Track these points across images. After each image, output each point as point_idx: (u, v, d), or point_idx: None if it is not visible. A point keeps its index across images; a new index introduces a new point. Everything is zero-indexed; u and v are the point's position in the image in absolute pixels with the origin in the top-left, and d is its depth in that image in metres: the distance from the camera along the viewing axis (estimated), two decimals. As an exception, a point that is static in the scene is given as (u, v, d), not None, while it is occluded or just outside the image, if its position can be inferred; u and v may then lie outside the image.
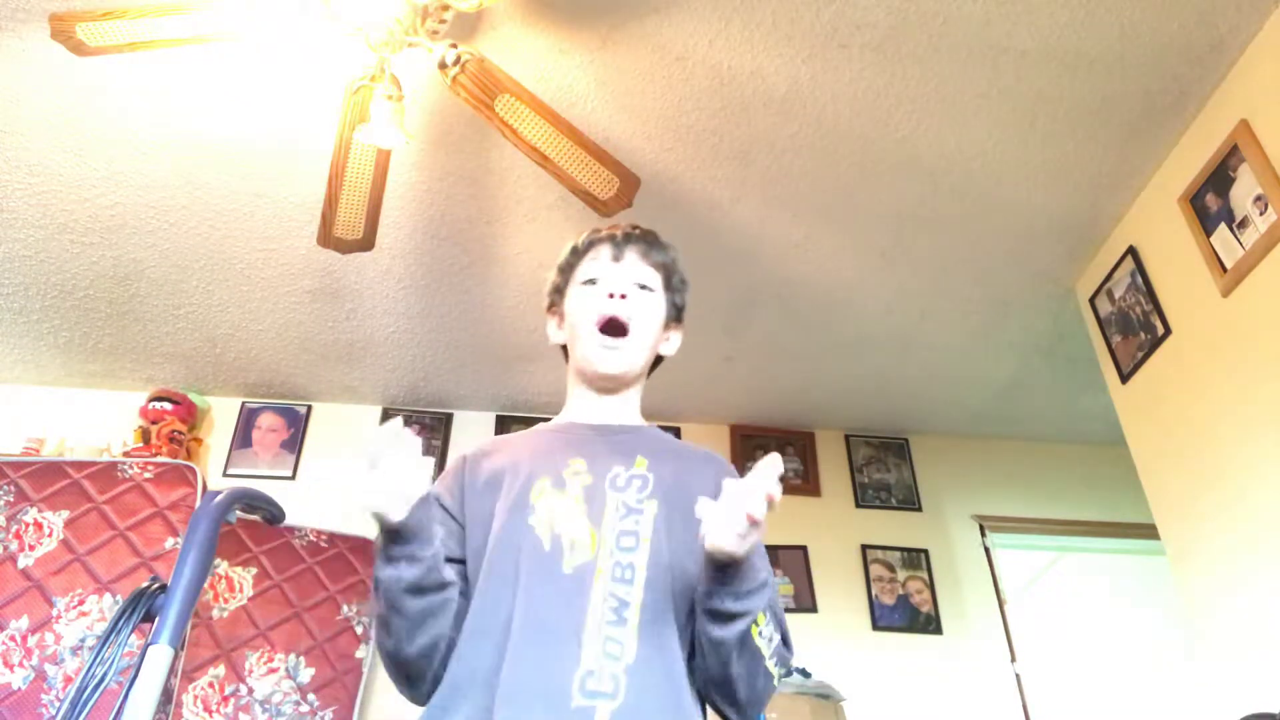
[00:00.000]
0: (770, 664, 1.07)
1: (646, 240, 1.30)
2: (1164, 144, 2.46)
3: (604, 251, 1.28)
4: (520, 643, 1.01)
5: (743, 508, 0.94)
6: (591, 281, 1.26)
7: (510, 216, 2.71)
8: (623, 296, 1.22)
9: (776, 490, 0.93)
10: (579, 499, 1.13)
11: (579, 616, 1.03)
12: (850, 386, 3.52)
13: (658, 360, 1.32)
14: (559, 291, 1.32)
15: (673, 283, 1.32)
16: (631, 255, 1.27)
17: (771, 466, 0.94)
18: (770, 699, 1.12)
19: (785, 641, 1.12)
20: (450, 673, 1.05)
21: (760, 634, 1.05)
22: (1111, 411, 2.76)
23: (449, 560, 1.10)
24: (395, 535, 1.00)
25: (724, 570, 1.00)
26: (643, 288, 1.26)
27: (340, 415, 3.58)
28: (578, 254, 1.30)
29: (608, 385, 1.25)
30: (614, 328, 1.22)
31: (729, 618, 1.02)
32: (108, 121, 2.39)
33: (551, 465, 1.16)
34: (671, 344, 1.33)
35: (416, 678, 1.07)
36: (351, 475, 0.96)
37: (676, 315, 1.33)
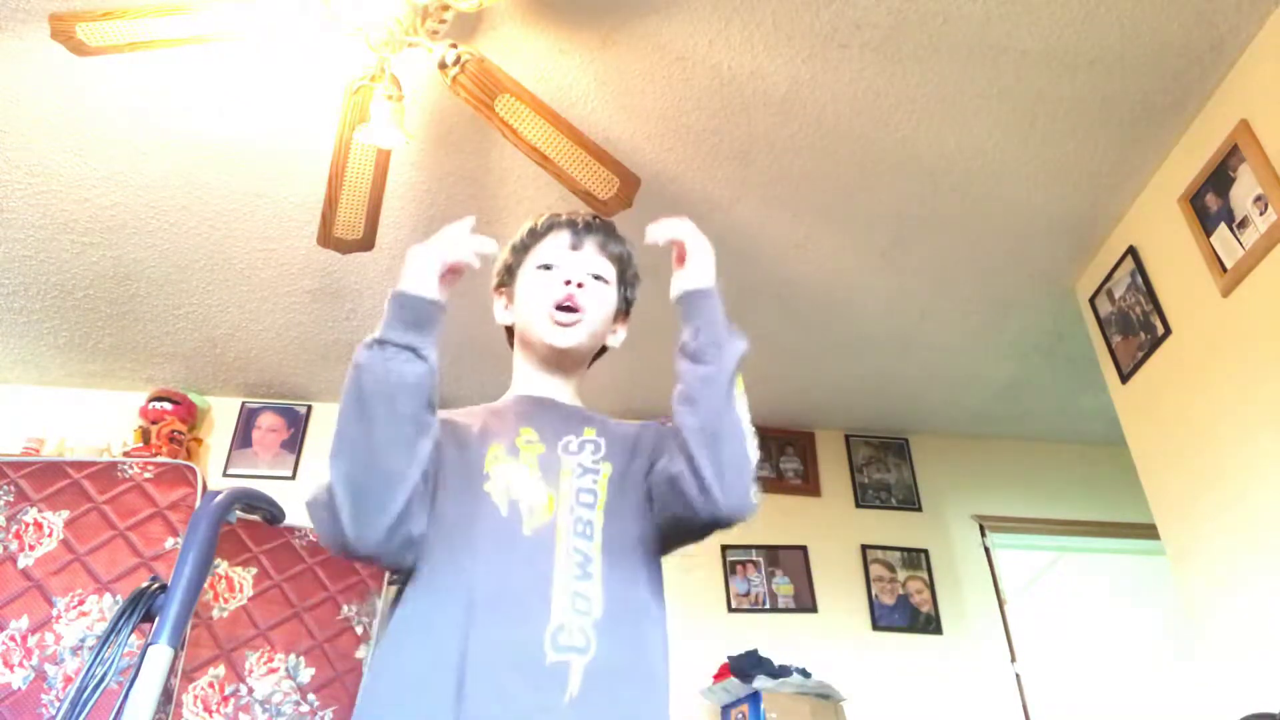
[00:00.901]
0: (750, 436, 1.16)
1: (605, 231, 1.30)
2: (1164, 144, 2.46)
3: (563, 238, 1.28)
4: (486, 608, 1.00)
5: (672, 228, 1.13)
6: (547, 267, 1.25)
7: (510, 216, 2.71)
8: (579, 285, 1.23)
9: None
10: (533, 465, 1.13)
11: (545, 574, 1.03)
12: (850, 386, 3.52)
13: (600, 352, 1.34)
14: (510, 272, 1.31)
15: (626, 276, 1.34)
16: (589, 245, 1.28)
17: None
18: (752, 488, 1.22)
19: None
20: (411, 641, 1.02)
21: (743, 392, 1.15)
22: (1111, 411, 2.76)
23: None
24: (422, 319, 1.05)
25: (697, 305, 1.12)
26: (597, 278, 1.27)
27: (340, 415, 3.57)
28: (535, 236, 1.30)
29: (556, 361, 1.26)
30: (567, 307, 1.23)
31: (713, 357, 1.11)
32: (108, 121, 2.39)
33: (503, 434, 1.16)
34: (618, 337, 1.34)
35: (382, 504, 1.00)
36: (453, 231, 1.10)
37: (626, 309, 1.35)
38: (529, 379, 1.28)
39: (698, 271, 1.14)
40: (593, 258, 1.28)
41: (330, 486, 1.02)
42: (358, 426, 1.05)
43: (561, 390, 1.28)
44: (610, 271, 1.29)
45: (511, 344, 1.33)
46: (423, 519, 1.04)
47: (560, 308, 1.22)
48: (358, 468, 1.02)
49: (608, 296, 1.29)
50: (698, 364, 1.11)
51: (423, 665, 0.99)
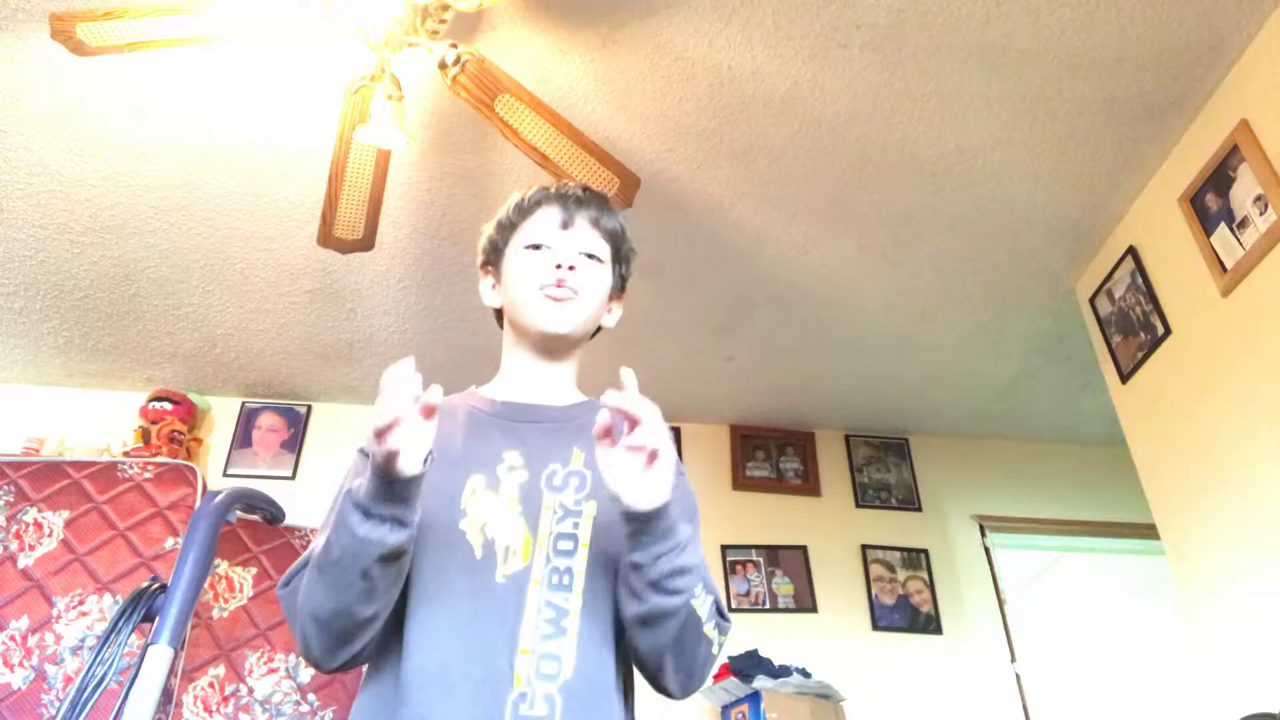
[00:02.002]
0: (709, 629, 1.01)
1: (598, 205, 1.21)
2: (1164, 144, 2.46)
3: (552, 214, 1.18)
4: (448, 674, 0.94)
5: (637, 441, 0.95)
6: (536, 246, 1.16)
7: (510, 216, 2.71)
8: (571, 268, 1.14)
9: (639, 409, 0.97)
10: (514, 499, 1.05)
11: (512, 634, 0.96)
12: (850, 386, 3.52)
13: (595, 331, 1.25)
14: (497, 250, 1.22)
15: (621, 252, 1.24)
16: (581, 222, 1.18)
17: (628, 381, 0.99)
18: (710, 671, 1.08)
19: (720, 611, 1.05)
20: (374, 685, 1.00)
21: (697, 599, 0.99)
22: (1111, 411, 2.76)
23: None
24: (397, 491, 0.91)
25: (644, 525, 0.94)
26: (591, 257, 1.18)
27: (340, 415, 3.57)
28: (522, 212, 1.20)
29: (550, 346, 1.18)
30: (560, 294, 1.15)
31: (668, 590, 0.96)
32: (108, 121, 2.39)
33: (485, 460, 1.08)
34: (613, 316, 1.26)
35: (350, 641, 0.97)
36: (404, 411, 0.89)
37: (621, 286, 1.26)
38: (521, 369, 1.19)
39: (659, 484, 0.95)
40: (585, 234, 1.18)
41: (300, 607, 0.99)
42: (330, 580, 0.95)
43: (557, 379, 1.20)
44: (604, 249, 1.20)
45: (501, 325, 1.25)
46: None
47: (551, 288, 1.14)
48: (326, 615, 0.96)
49: (602, 276, 1.20)
50: (661, 594, 0.96)
51: (395, 705, 0.94)
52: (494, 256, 1.23)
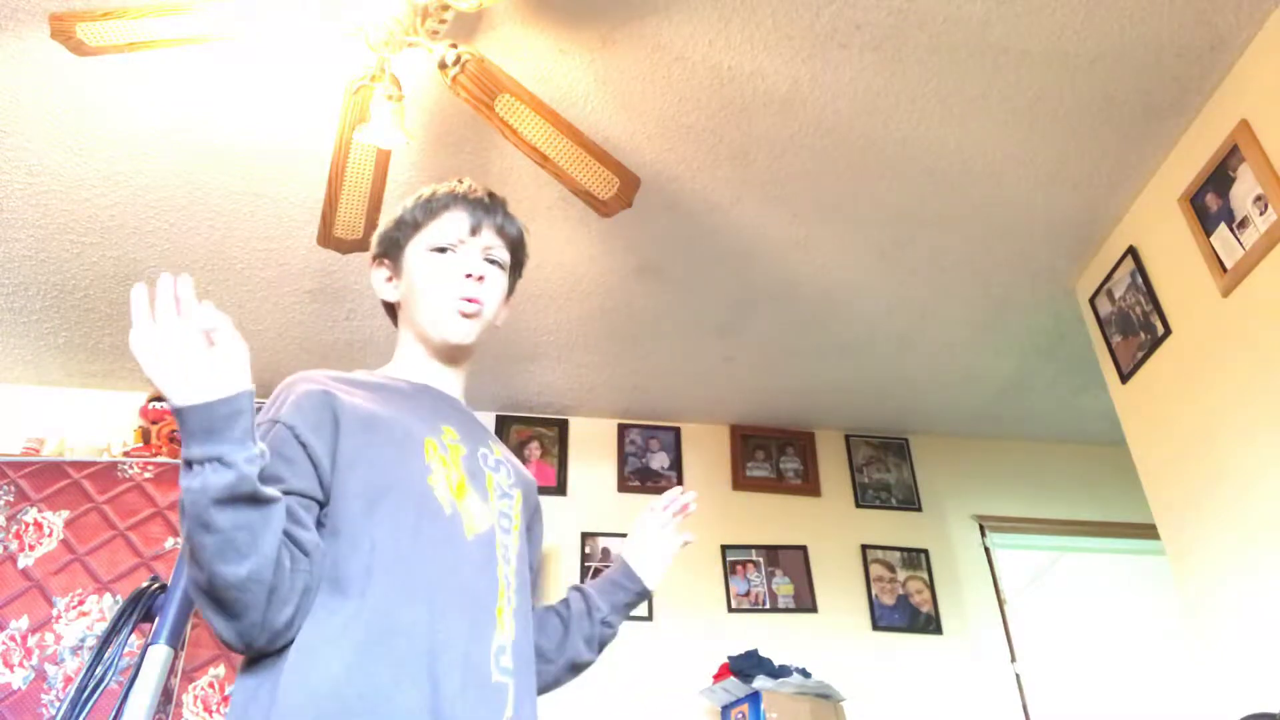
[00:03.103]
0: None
1: (503, 212, 1.24)
2: (1164, 144, 2.46)
3: (460, 219, 1.20)
4: (450, 609, 0.95)
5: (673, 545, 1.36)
6: (442, 250, 1.18)
7: (510, 216, 2.71)
8: (480, 279, 1.18)
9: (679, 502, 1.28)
10: (461, 469, 1.09)
11: (492, 588, 1.02)
12: (850, 386, 3.52)
13: None
14: (397, 245, 1.23)
15: (519, 258, 1.28)
16: (488, 228, 1.21)
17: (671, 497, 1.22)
18: None
19: None
20: (369, 632, 0.91)
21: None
22: (1111, 411, 2.76)
23: (298, 495, 0.96)
24: (204, 430, 0.83)
25: (639, 601, 1.32)
26: (493, 263, 1.22)
27: (340, 415, 3.57)
28: (429, 213, 1.21)
29: (454, 354, 1.22)
30: (469, 304, 1.17)
31: (611, 633, 1.28)
32: (108, 121, 2.39)
33: (430, 428, 1.10)
34: (501, 318, 1.27)
35: (236, 608, 0.87)
36: (188, 349, 0.83)
37: (510, 291, 1.29)
38: (421, 365, 1.21)
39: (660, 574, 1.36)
40: (491, 241, 1.21)
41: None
42: (189, 548, 0.87)
43: (454, 381, 1.23)
44: (505, 256, 1.24)
45: (393, 319, 1.27)
46: (305, 567, 0.93)
47: (462, 301, 1.16)
48: (201, 586, 0.88)
49: (503, 283, 1.23)
50: (608, 631, 1.29)
51: (399, 668, 0.90)
52: (393, 251, 1.24)
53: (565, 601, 1.30)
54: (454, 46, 1.94)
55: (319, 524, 0.98)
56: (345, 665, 0.88)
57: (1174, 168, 2.46)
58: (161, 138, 2.44)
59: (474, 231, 1.20)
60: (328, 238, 2.29)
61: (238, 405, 0.86)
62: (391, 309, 1.27)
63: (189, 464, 0.85)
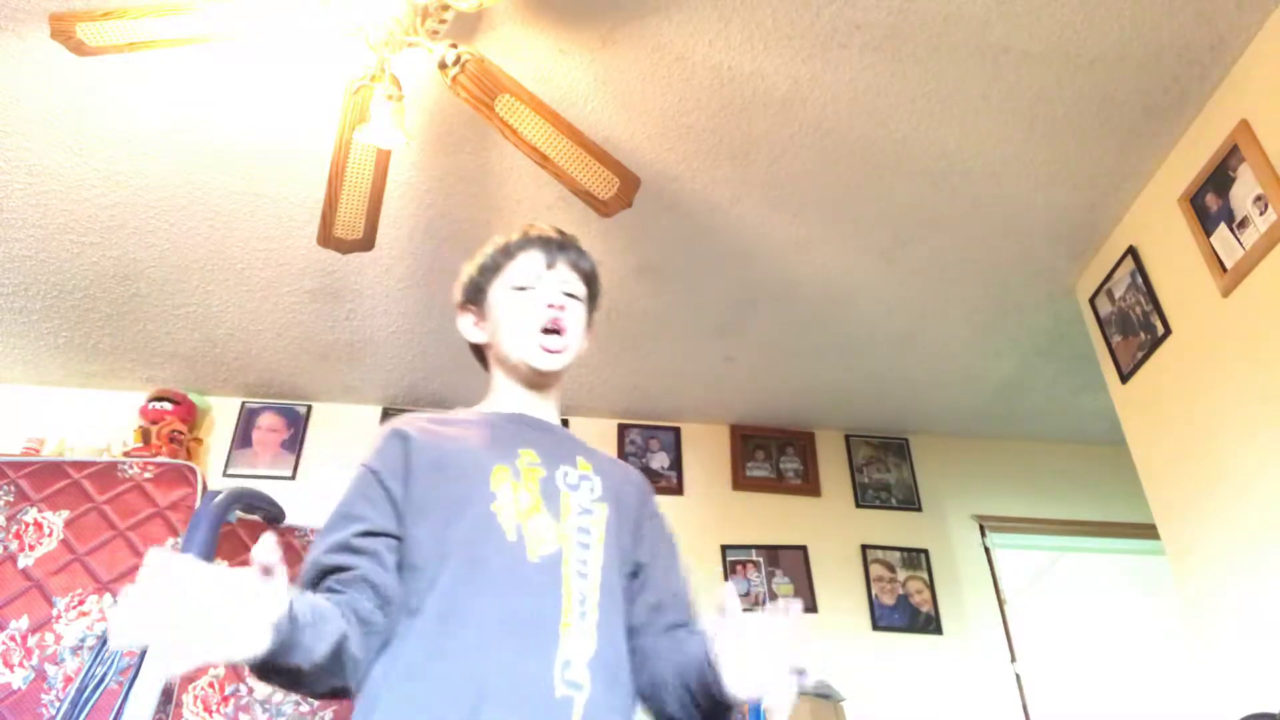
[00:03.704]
0: None
1: (575, 248, 1.33)
2: (1164, 144, 2.46)
3: (536, 258, 1.29)
4: (501, 635, 1.00)
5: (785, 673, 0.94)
6: (523, 288, 1.27)
7: (510, 216, 2.71)
8: (560, 308, 1.26)
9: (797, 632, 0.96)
10: (535, 492, 1.14)
11: (554, 606, 1.04)
12: (850, 386, 3.52)
13: None
14: (480, 290, 1.32)
15: (594, 290, 1.35)
16: (563, 264, 1.30)
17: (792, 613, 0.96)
18: None
19: None
20: (416, 661, 1.00)
21: None
22: (1111, 411, 2.76)
23: (378, 534, 1.06)
24: (263, 662, 0.85)
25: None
26: (571, 296, 1.29)
27: (340, 415, 3.57)
28: (507, 255, 1.31)
29: (543, 381, 1.28)
30: (552, 331, 1.25)
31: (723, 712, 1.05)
32: (108, 121, 2.39)
33: (504, 453, 1.16)
34: (584, 348, 1.34)
35: (334, 693, 1.01)
36: (184, 633, 0.75)
37: (590, 322, 1.36)
38: (513, 396, 1.29)
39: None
40: (566, 276, 1.30)
41: None
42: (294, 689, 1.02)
43: (547, 408, 1.30)
44: (582, 289, 1.32)
45: (482, 362, 1.35)
46: (379, 623, 1.03)
47: (546, 331, 1.24)
48: (311, 694, 1.04)
49: (582, 314, 1.31)
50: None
51: (438, 692, 0.97)
52: (476, 296, 1.33)
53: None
54: (454, 46, 1.94)
55: (400, 561, 1.08)
56: (396, 696, 0.98)
57: (1174, 168, 2.46)
58: (161, 138, 2.44)
59: (549, 267, 1.29)
60: (328, 238, 2.29)
61: (291, 623, 0.88)
62: (480, 352, 1.35)
63: (265, 675, 0.92)
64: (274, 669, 0.88)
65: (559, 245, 1.30)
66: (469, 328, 1.35)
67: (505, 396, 1.29)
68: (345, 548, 1.05)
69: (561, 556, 1.09)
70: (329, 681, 0.97)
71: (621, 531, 1.18)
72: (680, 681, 1.08)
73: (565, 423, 1.33)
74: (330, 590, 1.02)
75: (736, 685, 0.96)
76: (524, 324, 1.25)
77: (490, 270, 1.32)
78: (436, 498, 1.11)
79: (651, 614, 1.17)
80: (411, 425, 1.19)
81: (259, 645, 0.82)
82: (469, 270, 1.35)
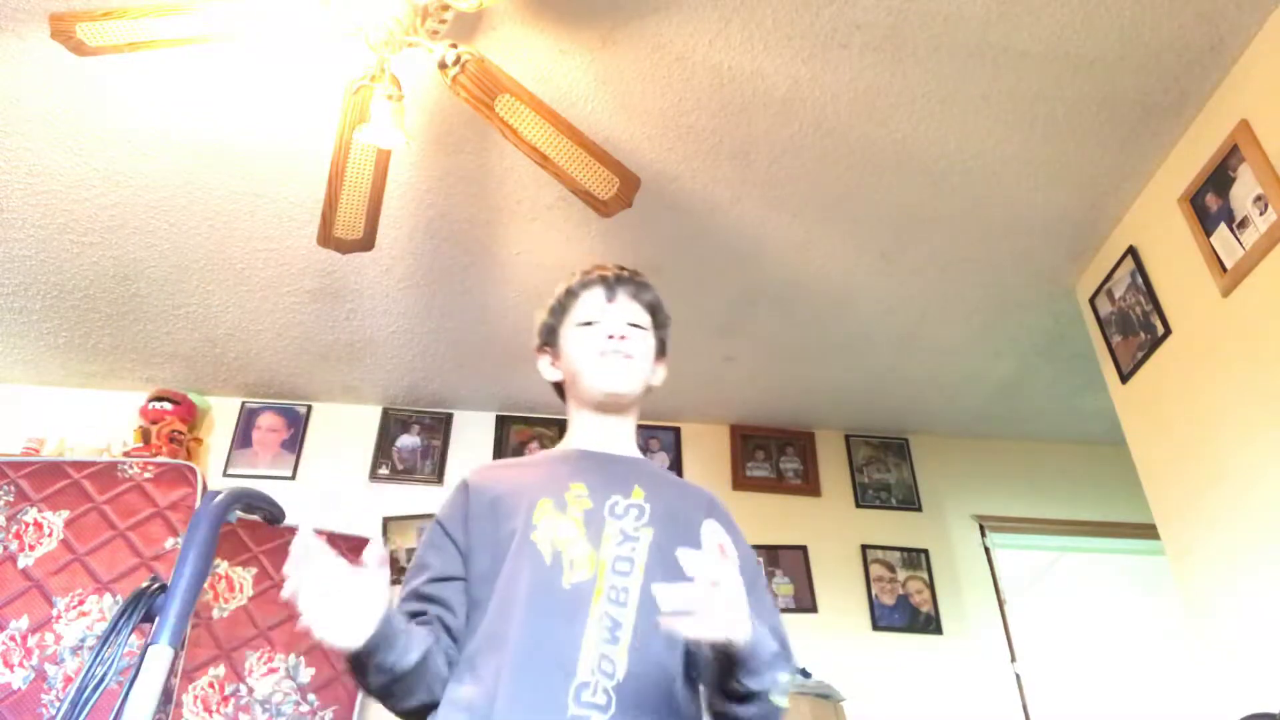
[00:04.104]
0: (783, 702, 1.08)
1: (636, 281, 1.40)
2: (1164, 144, 2.46)
3: (598, 293, 1.37)
4: (521, 654, 1.07)
5: (708, 577, 0.94)
6: (588, 323, 1.34)
7: (510, 216, 2.71)
8: (622, 337, 1.32)
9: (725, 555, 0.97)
10: (579, 521, 1.19)
11: (578, 632, 1.09)
12: (850, 386, 3.52)
13: (646, 391, 1.41)
14: (552, 332, 1.40)
15: (659, 320, 1.41)
16: (623, 296, 1.37)
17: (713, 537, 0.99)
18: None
19: (792, 666, 1.14)
20: (456, 678, 1.11)
21: (780, 694, 1.06)
22: (1111, 411, 2.76)
23: (444, 579, 1.19)
24: (359, 654, 1.01)
25: (729, 656, 1.00)
26: (635, 326, 1.35)
27: (340, 415, 3.58)
28: (572, 296, 1.38)
29: (611, 404, 1.34)
30: (617, 356, 1.32)
31: (750, 696, 1.03)
32: (108, 121, 2.39)
33: (554, 488, 1.23)
34: (658, 376, 1.41)
35: (421, 711, 1.12)
36: (310, 607, 0.96)
37: (662, 349, 1.42)
38: (587, 428, 1.35)
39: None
40: (628, 307, 1.37)
41: None
42: (383, 697, 1.12)
43: (619, 434, 1.36)
44: (644, 318, 1.38)
45: (562, 398, 1.42)
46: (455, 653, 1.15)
47: (610, 353, 1.31)
48: (396, 710, 1.13)
49: (647, 341, 1.37)
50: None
51: (463, 708, 1.07)
52: (550, 338, 1.41)
53: None
54: (454, 46, 1.94)
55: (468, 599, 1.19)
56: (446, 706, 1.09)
57: (1174, 168, 2.46)
58: (161, 138, 2.44)
59: (610, 300, 1.37)
60: (328, 238, 2.29)
61: (389, 621, 1.04)
62: (560, 389, 1.42)
63: (360, 669, 1.06)
64: (372, 665, 1.02)
65: (618, 280, 1.38)
66: (547, 368, 1.42)
67: (580, 431, 1.36)
68: (416, 595, 1.18)
69: (595, 584, 1.13)
70: (418, 694, 1.09)
71: (669, 553, 1.16)
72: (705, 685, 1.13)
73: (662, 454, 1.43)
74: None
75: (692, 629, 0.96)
76: (589, 354, 1.32)
77: (559, 312, 1.40)
78: (490, 536, 1.20)
79: None
80: (476, 473, 1.31)
81: (364, 634, 0.98)
82: (541, 315, 1.43)
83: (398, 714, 1.12)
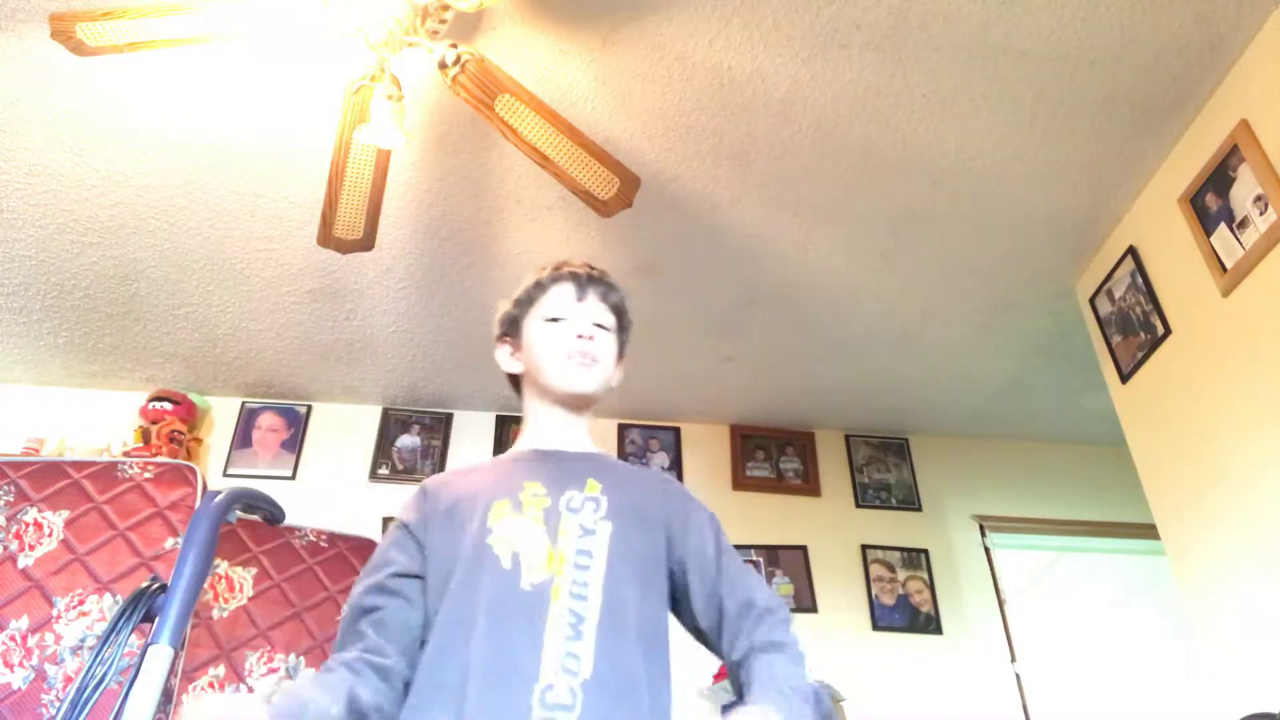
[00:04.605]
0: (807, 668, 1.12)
1: (605, 282, 1.40)
2: (1164, 144, 2.46)
3: (568, 290, 1.36)
4: (483, 660, 1.06)
5: None
6: (555, 320, 1.34)
7: (510, 216, 2.71)
8: (590, 338, 1.32)
9: None
10: (537, 519, 1.18)
11: (538, 634, 1.08)
12: (850, 386, 3.52)
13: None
14: (515, 323, 1.39)
15: (623, 322, 1.42)
16: (592, 296, 1.37)
17: None
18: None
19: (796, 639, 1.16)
20: (417, 694, 1.10)
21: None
22: (1111, 411, 2.76)
23: (408, 576, 1.18)
24: None
25: None
26: (600, 327, 1.36)
27: (340, 415, 3.57)
28: (540, 289, 1.38)
29: (575, 404, 1.34)
30: (584, 358, 1.32)
31: None
32: (108, 121, 2.39)
33: (509, 489, 1.22)
34: (616, 378, 1.41)
35: None
36: None
37: (621, 352, 1.43)
38: (543, 424, 1.35)
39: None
40: (596, 308, 1.37)
41: None
42: None
43: (574, 430, 1.35)
44: (611, 320, 1.38)
45: (516, 390, 1.41)
46: (400, 670, 1.13)
47: (577, 354, 1.31)
48: None
49: (612, 343, 1.38)
50: None
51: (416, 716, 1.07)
52: (512, 329, 1.40)
53: None
54: (454, 46, 1.94)
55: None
56: None
57: (1174, 168, 2.46)
58: (161, 138, 2.44)
59: (580, 299, 1.36)
60: (328, 238, 2.29)
61: None
62: (515, 381, 1.42)
63: None
64: None
65: (589, 279, 1.38)
66: (506, 358, 1.41)
67: (537, 426, 1.35)
68: (379, 589, 1.18)
69: (552, 583, 1.12)
70: None
71: (642, 542, 1.20)
72: None
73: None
74: (360, 634, 1.15)
75: None
76: (555, 352, 1.32)
77: (525, 303, 1.39)
78: (446, 542, 1.19)
79: (720, 614, 1.18)
80: (434, 480, 1.32)
81: None
82: (505, 304, 1.42)
83: None
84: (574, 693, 1.04)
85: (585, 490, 1.24)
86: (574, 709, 1.03)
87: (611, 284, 1.41)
